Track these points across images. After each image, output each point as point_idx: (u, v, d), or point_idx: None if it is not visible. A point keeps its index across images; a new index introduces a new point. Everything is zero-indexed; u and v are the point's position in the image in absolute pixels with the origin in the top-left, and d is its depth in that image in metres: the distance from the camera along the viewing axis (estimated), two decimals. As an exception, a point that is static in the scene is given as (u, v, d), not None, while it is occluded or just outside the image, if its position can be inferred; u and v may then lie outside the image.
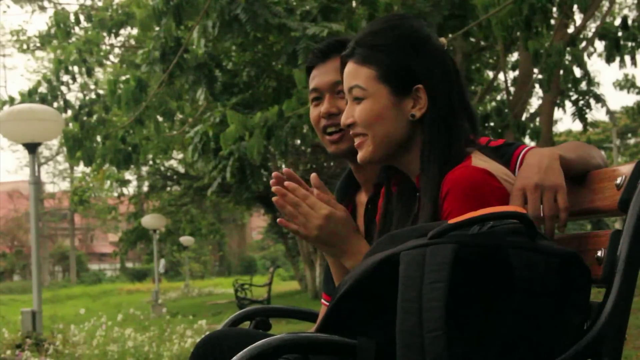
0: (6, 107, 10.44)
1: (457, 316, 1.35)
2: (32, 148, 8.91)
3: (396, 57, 1.76)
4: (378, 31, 1.80)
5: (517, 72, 16.03)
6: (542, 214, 1.64)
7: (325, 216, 1.88)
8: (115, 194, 25.91)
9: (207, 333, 1.98)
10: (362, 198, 2.28)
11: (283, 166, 18.40)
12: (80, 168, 23.07)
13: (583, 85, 11.20)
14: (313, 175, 2.06)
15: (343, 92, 2.17)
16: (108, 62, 18.22)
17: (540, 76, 9.28)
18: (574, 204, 1.78)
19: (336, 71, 2.16)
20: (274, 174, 2.04)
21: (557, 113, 14.86)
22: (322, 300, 2.37)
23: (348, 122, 1.82)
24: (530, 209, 1.62)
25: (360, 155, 1.83)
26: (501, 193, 1.63)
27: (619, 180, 1.61)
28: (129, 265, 51.61)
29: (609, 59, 9.67)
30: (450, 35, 10.94)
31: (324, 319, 1.51)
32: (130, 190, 26.64)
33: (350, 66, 1.82)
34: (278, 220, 1.93)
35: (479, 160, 1.69)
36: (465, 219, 1.41)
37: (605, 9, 16.01)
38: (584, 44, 14.00)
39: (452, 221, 1.42)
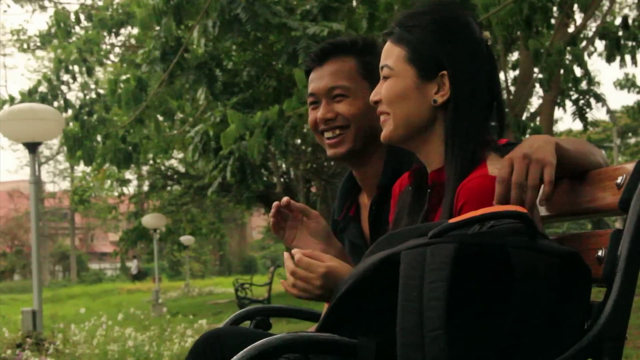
0: (6, 107, 10.44)
1: (458, 316, 1.35)
2: (32, 147, 8.90)
3: (426, 40, 1.77)
4: (417, 14, 1.82)
5: (517, 72, 16.04)
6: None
7: (323, 275, 1.85)
8: (116, 194, 25.89)
9: (207, 331, 1.98)
10: (365, 200, 2.28)
11: (283, 165, 18.44)
12: (81, 167, 23.07)
13: (583, 85, 11.20)
14: (285, 199, 2.09)
15: (339, 96, 2.19)
16: (108, 62, 18.21)
17: (540, 75, 9.26)
18: (574, 203, 1.78)
19: (331, 75, 2.20)
20: (274, 204, 2.07)
21: (558, 112, 14.86)
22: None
23: (375, 99, 1.85)
24: (514, 175, 1.61)
25: (382, 134, 1.84)
26: None
27: (619, 180, 1.61)
28: (129, 264, 51.59)
29: (610, 59, 9.68)
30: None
31: (324, 319, 1.52)
32: (130, 189, 26.64)
33: (387, 45, 1.84)
34: (281, 281, 1.94)
35: (495, 168, 1.68)
36: (465, 218, 1.41)
37: (605, 8, 16.01)
38: (584, 43, 14.02)
39: (452, 221, 1.42)
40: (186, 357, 1.93)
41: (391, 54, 1.81)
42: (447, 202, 1.70)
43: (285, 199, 2.12)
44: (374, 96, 1.85)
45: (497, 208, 1.44)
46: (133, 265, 39.66)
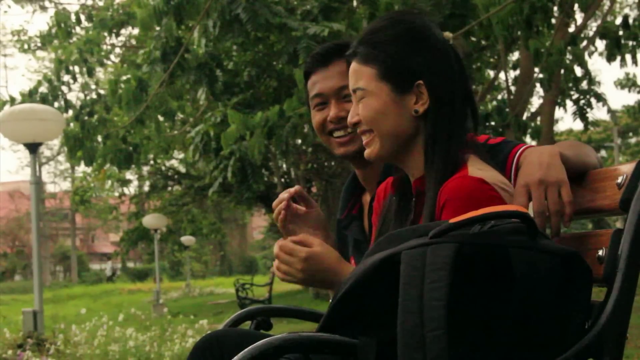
0: (7, 107, 10.43)
1: (458, 315, 1.35)
2: (33, 148, 8.90)
3: (395, 54, 1.76)
4: (378, 29, 1.81)
5: (518, 71, 16.03)
6: (547, 211, 1.65)
7: (304, 259, 1.90)
8: (116, 194, 25.94)
9: (208, 332, 1.98)
10: (368, 198, 2.30)
11: (284, 165, 18.45)
12: (81, 168, 23.08)
13: (584, 84, 11.20)
14: (297, 187, 2.10)
15: (349, 95, 2.18)
16: (109, 62, 18.22)
17: (541, 75, 9.27)
18: (575, 203, 1.78)
19: (340, 75, 2.19)
20: (282, 195, 2.12)
21: (558, 112, 14.86)
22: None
23: (354, 121, 1.84)
24: (535, 205, 1.63)
25: (367, 152, 1.84)
26: (498, 201, 1.63)
27: (620, 180, 1.61)
28: (130, 265, 51.60)
29: (610, 58, 9.68)
30: (451, 35, 10.95)
31: (324, 319, 1.52)
32: (131, 190, 26.68)
33: (354, 66, 1.83)
34: (270, 269, 2.01)
35: (476, 169, 1.69)
36: (466, 218, 1.41)
37: (606, 8, 16.02)
38: (584, 43, 14.01)
39: (453, 220, 1.42)
40: (187, 359, 1.93)
41: (361, 75, 1.80)
42: (428, 206, 1.71)
43: (297, 187, 2.13)
44: (351, 118, 1.85)
45: (497, 208, 1.44)
46: (107, 266, 39.53)
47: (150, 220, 23.13)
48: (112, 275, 41.86)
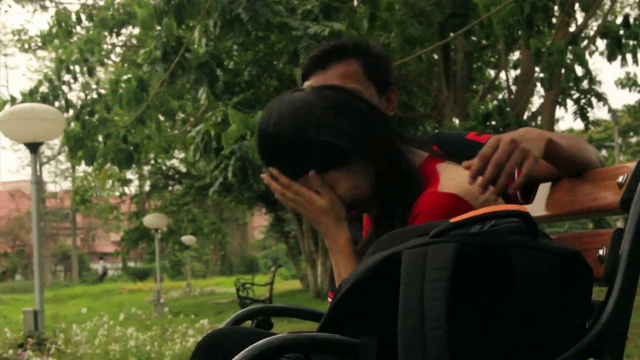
0: (8, 107, 10.43)
1: (459, 315, 1.35)
2: (33, 147, 8.91)
3: (297, 166, 1.77)
4: (276, 148, 1.77)
5: (518, 71, 16.05)
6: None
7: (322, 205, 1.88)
8: (117, 194, 25.95)
9: (209, 332, 1.98)
10: None
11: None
12: (82, 167, 23.09)
13: (584, 84, 11.19)
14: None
15: None
16: (109, 62, 18.23)
17: (541, 75, 9.26)
18: (575, 202, 1.77)
19: (339, 78, 2.17)
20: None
21: (559, 112, 14.88)
22: (329, 299, 2.38)
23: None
24: (496, 154, 1.63)
25: None
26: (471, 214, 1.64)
27: (620, 179, 1.61)
28: (131, 264, 51.63)
29: (611, 58, 9.67)
30: (451, 34, 10.95)
31: (325, 318, 1.51)
32: (131, 189, 26.68)
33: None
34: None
35: (447, 179, 1.72)
36: (466, 217, 1.41)
37: (606, 7, 16.02)
38: (585, 42, 14.01)
39: (453, 220, 1.42)
40: (190, 358, 1.93)
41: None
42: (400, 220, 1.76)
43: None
44: None
45: (498, 207, 1.44)
46: (99, 266, 39.30)
47: (150, 219, 23.13)
48: (103, 275, 41.53)
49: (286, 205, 1.90)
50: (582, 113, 11.17)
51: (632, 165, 1.59)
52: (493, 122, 9.96)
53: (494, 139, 1.67)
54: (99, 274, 41.14)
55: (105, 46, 15.27)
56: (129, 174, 23.80)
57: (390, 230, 1.67)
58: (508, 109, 10.78)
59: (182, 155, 22.88)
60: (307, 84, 1.81)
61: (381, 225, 1.83)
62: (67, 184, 48.72)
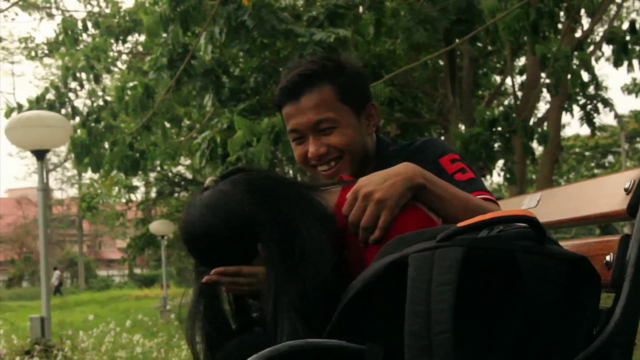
0: (14, 114, 10.45)
1: (465, 319, 1.35)
2: (40, 155, 8.92)
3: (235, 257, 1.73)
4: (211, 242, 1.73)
5: (524, 77, 16.03)
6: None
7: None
8: (123, 200, 25.93)
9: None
10: None
11: (290, 172, 18.48)
12: (89, 174, 23.12)
13: (591, 90, 11.17)
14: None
15: (327, 128, 2.12)
16: (115, 69, 18.26)
17: (547, 80, 9.25)
18: (582, 208, 1.77)
19: (312, 109, 2.11)
20: None
21: (565, 117, 14.85)
22: None
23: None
24: (350, 215, 1.71)
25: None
26: None
27: (627, 185, 1.60)
28: (137, 271, 51.63)
29: (617, 63, 9.65)
30: (457, 40, 10.95)
31: (332, 323, 1.51)
32: (138, 196, 26.68)
33: None
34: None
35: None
36: (474, 222, 1.41)
37: (612, 13, 16.00)
38: (591, 48, 14.00)
39: (461, 224, 1.42)
40: None
41: None
42: None
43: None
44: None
45: (505, 212, 1.44)
46: (54, 276, 38.44)
47: (157, 226, 23.14)
48: (59, 286, 39.53)
49: (241, 293, 1.80)
50: (588, 119, 11.15)
51: (639, 171, 1.59)
52: (499, 128, 9.94)
53: (352, 193, 1.72)
54: (53, 285, 39.37)
55: (111, 53, 15.30)
56: (135, 181, 23.81)
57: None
58: (514, 114, 10.77)
59: (188, 162, 22.89)
60: (208, 180, 1.79)
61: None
62: (73, 191, 48.81)
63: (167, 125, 12.01)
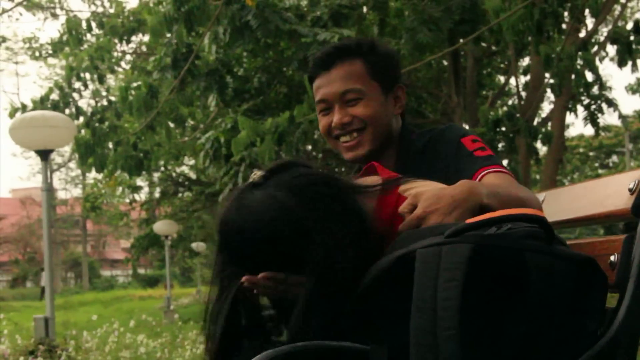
0: (19, 114, 10.46)
1: (472, 316, 1.34)
2: (44, 155, 8.93)
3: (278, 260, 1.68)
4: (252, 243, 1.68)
5: (528, 77, 16.01)
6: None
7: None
8: (127, 200, 25.94)
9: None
10: None
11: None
12: (92, 174, 23.13)
13: (595, 90, 11.15)
14: None
15: (353, 99, 2.18)
16: (119, 69, 18.27)
17: (551, 81, 9.24)
18: (586, 208, 1.77)
19: (342, 80, 2.19)
20: None
21: (569, 117, 14.84)
22: None
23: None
24: (402, 226, 1.66)
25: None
26: None
27: (632, 185, 1.60)
28: (141, 271, 51.69)
29: (621, 63, 9.63)
30: (461, 40, 10.94)
31: (340, 321, 1.51)
32: (142, 196, 26.67)
33: None
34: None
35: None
36: (482, 219, 1.41)
37: (616, 13, 15.98)
38: (595, 48, 13.96)
39: (469, 221, 1.42)
40: None
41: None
42: None
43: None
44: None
45: (514, 210, 1.44)
46: (43, 278, 38.11)
47: (160, 226, 23.16)
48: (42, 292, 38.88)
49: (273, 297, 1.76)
50: (592, 119, 11.13)
51: (644, 171, 1.58)
52: (503, 128, 9.94)
53: (410, 199, 1.68)
54: (41, 286, 38.65)
55: (115, 53, 15.31)
56: (139, 181, 23.80)
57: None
58: (518, 114, 10.76)
59: (192, 162, 22.88)
60: (256, 173, 1.76)
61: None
62: (77, 191, 48.91)
63: (171, 125, 12.01)
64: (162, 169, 23.22)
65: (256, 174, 1.74)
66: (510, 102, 18.80)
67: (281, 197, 1.65)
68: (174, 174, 25.03)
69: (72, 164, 46.42)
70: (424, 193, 1.69)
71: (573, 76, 9.95)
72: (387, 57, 2.25)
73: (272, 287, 1.67)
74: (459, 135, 2.16)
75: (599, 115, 11.12)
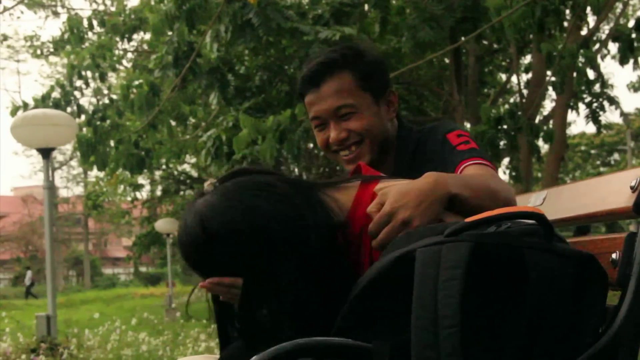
0: (20, 113, 10.46)
1: (472, 315, 1.35)
2: (46, 153, 8.94)
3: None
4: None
5: (530, 75, 16.01)
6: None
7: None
8: (129, 198, 25.94)
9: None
10: None
11: (296, 170, 18.53)
12: (94, 173, 23.15)
13: (596, 87, 11.14)
14: None
15: (347, 114, 2.18)
16: (121, 67, 18.27)
17: (553, 78, 9.23)
18: (587, 206, 1.77)
19: (333, 96, 2.17)
20: None
21: (571, 115, 14.84)
22: None
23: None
24: (369, 227, 1.66)
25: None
26: None
27: (633, 183, 1.60)
28: (143, 269, 51.69)
29: (623, 61, 9.62)
30: (463, 38, 10.93)
31: (338, 321, 1.51)
32: (143, 194, 26.69)
33: None
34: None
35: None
36: (482, 218, 1.41)
37: (618, 10, 15.97)
38: (597, 45, 13.97)
39: (469, 220, 1.42)
40: None
41: None
42: None
43: None
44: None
45: (514, 208, 1.44)
46: (27, 276, 37.75)
47: (162, 224, 23.17)
48: (30, 286, 38.42)
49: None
50: (594, 116, 11.12)
51: (645, 168, 1.58)
52: (505, 126, 9.93)
53: (380, 200, 1.68)
54: (26, 284, 37.99)
55: (117, 52, 15.30)
56: (141, 179, 23.82)
57: None
58: (520, 112, 10.75)
59: (193, 160, 22.89)
60: (207, 184, 1.77)
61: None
62: (79, 189, 48.94)
63: (173, 123, 12.02)
64: (164, 167, 23.23)
65: (207, 184, 1.75)
66: (511, 100, 18.80)
67: (212, 201, 1.66)
68: (175, 172, 25.04)
69: (74, 162, 46.44)
70: (390, 190, 1.70)
71: (575, 74, 9.94)
72: (374, 65, 2.24)
73: (224, 292, 1.70)
74: (445, 130, 2.18)
75: (601, 113, 11.11)
